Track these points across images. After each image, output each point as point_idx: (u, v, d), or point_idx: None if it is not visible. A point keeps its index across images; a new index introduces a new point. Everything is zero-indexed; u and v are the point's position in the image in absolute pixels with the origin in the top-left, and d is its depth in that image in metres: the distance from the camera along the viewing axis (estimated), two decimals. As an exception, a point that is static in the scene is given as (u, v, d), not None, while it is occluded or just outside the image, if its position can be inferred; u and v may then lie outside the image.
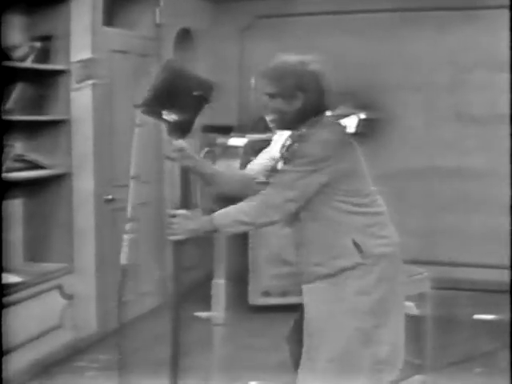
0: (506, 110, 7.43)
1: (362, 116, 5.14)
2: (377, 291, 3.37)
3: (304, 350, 3.48)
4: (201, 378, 4.40)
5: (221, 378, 3.82)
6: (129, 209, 3.72)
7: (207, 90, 3.35)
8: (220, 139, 3.38)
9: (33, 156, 5.57)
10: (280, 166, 3.49)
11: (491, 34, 7.52)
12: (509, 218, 5.76)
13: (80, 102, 5.81)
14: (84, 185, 5.87)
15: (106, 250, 6.01)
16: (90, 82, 5.82)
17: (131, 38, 6.53)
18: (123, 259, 3.78)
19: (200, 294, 3.80)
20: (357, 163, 3.43)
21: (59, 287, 5.57)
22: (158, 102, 3.30)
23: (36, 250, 5.75)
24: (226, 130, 3.42)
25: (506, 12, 7.37)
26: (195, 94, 3.28)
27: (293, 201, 3.28)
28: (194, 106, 3.31)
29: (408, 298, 4.97)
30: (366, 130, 4.80)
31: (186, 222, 3.31)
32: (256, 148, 3.68)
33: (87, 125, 5.87)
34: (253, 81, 3.50)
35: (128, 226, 3.78)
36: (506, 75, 7.39)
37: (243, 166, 3.33)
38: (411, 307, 5.51)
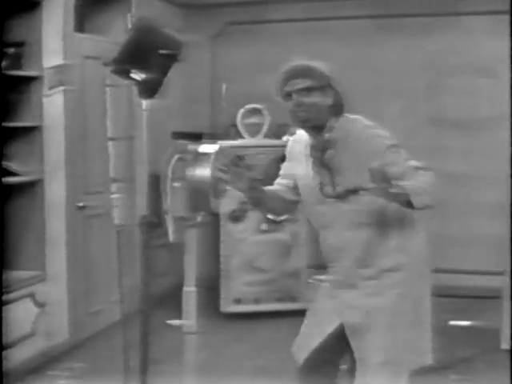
0: (486, 115, 7.51)
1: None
2: (417, 290, 3.46)
3: (356, 356, 3.48)
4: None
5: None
6: (112, 170, 3.73)
7: (176, 48, 3.33)
8: (191, 146, 3.35)
9: (5, 163, 5.54)
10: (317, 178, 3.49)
11: (469, 40, 7.61)
12: (490, 222, 5.78)
13: (52, 108, 5.79)
14: (56, 192, 5.84)
15: (78, 257, 5.98)
16: (62, 88, 5.80)
17: (103, 44, 6.50)
18: (117, 219, 3.79)
19: (173, 301, 3.78)
20: None
21: (31, 295, 5.54)
22: (126, 60, 3.26)
23: (8, 258, 5.71)
24: (197, 137, 3.39)
25: (484, 18, 7.46)
26: (163, 52, 3.26)
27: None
28: (162, 64, 3.27)
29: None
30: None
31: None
32: (228, 155, 3.67)
33: (59, 131, 5.85)
34: (224, 87, 3.50)
35: (113, 187, 3.79)
36: (485, 80, 7.47)
37: (214, 173, 3.31)
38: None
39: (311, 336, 3.62)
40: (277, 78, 3.67)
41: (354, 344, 3.47)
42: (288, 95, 3.55)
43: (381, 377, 3.41)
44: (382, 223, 3.42)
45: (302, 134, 3.66)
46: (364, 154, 3.31)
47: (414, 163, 3.29)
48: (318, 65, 3.56)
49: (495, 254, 5.34)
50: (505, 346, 5.71)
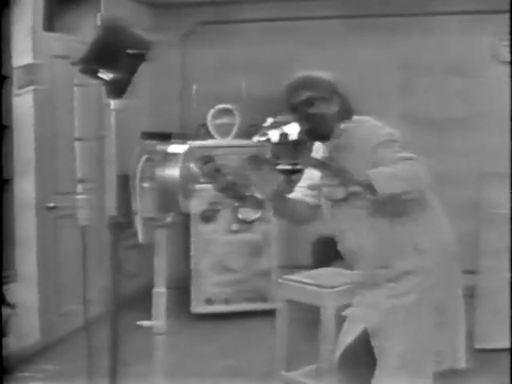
0: (459, 114, 7.56)
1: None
2: (438, 294, 3.46)
3: (376, 357, 3.47)
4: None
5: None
6: (78, 169, 3.72)
7: (144, 47, 3.32)
8: (160, 146, 3.34)
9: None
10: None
11: (443, 40, 7.65)
12: (461, 221, 5.78)
13: (22, 107, 5.75)
14: (26, 192, 5.81)
15: (49, 258, 5.95)
16: (32, 87, 5.76)
17: (72, 43, 6.46)
18: (82, 220, 3.77)
19: (144, 302, 3.77)
20: None
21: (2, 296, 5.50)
22: (94, 59, 3.25)
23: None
24: (166, 137, 3.38)
25: (457, 18, 7.52)
26: (131, 51, 3.25)
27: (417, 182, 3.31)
28: (129, 64, 3.26)
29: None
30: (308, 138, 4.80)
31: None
32: (197, 155, 3.68)
33: (29, 131, 5.81)
34: (194, 87, 3.52)
35: (79, 188, 3.78)
36: (458, 80, 7.53)
37: (183, 173, 3.32)
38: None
39: (347, 332, 3.63)
40: (283, 92, 3.69)
41: (374, 344, 3.47)
42: (294, 107, 3.62)
43: (398, 380, 3.42)
44: (395, 224, 3.45)
45: None
46: (365, 155, 3.38)
47: (403, 155, 3.37)
48: (321, 74, 3.65)
49: (466, 252, 5.36)
50: (478, 345, 5.74)
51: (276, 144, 4.86)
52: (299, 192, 3.84)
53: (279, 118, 5.03)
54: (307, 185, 3.73)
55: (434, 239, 3.50)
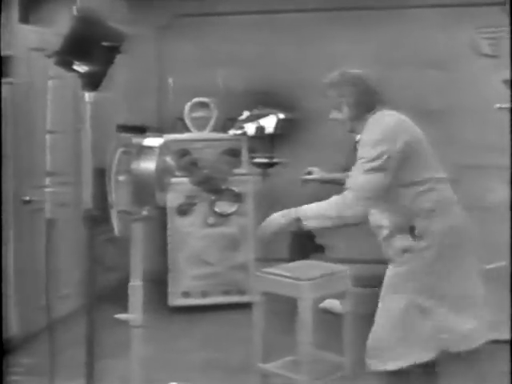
0: (434, 107, 7.59)
1: (281, 116, 5.17)
2: (430, 271, 3.74)
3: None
4: (120, 380, 4.38)
5: (140, 380, 3.79)
6: (48, 162, 3.71)
7: (119, 40, 3.31)
8: (135, 139, 3.33)
9: None
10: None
11: (417, 33, 7.67)
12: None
13: (-3, 101, 5.71)
14: (1, 185, 5.76)
15: (25, 251, 5.92)
16: (8, 80, 5.72)
17: (48, 36, 6.42)
18: (49, 213, 3.77)
19: (121, 295, 3.76)
20: (414, 150, 3.82)
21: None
22: (69, 52, 3.23)
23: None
24: (142, 130, 3.38)
25: (432, 11, 7.54)
26: (106, 44, 3.24)
27: (367, 199, 3.68)
28: (104, 56, 3.25)
29: (331, 296, 5.05)
30: (284, 131, 4.83)
31: (275, 217, 3.78)
32: (173, 148, 3.68)
33: (5, 124, 5.77)
34: (171, 81, 3.53)
35: (48, 181, 3.77)
36: (433, 72, 7.56)
37: (159, 166, 3.32)
38: (334, 304, 5.59)
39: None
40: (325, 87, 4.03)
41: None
42: None
43: (391, 339, 3.78)
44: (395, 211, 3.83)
45: None
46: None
47: (368, 165, 3.69)
48: (334, 80, 4.02)
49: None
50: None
51: (252, 137, 4.88)
52: None
53: (255, 112, 5.05)
54: None
55: (435, 226, 3.75)
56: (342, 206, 3.68)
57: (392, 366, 3.77)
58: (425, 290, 3.76)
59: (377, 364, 3.83)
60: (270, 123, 4.90)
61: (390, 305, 3.81)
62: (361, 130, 3.86)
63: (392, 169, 3.70)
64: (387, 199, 3.77)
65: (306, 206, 3.76)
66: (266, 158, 4.65)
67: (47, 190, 3.87)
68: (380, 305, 3.87)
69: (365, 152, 3.73)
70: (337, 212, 3.69)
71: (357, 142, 3.90)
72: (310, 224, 3.75)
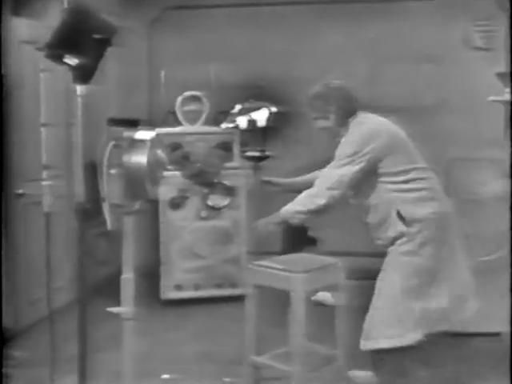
0: (426, 101, 7.60)
1: (273, 109, 5.17)
2: (421, 254, 4.12)
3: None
4: (113, 373, 4.38)
5: (133, 373, 3.80)
6: (44, 156, 3.71)
7: (110, 32, 3.30)
8: (126, 133, 3.33)
9: None
10: None
11: (410, 26, 7.66)
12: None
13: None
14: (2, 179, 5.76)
15: (17, 245, 5.91)
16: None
17: (39, 29, 6.40)
18: (47, 207, 3.77)
19: (114, 288, 3.76)
20: (391, 149, 4.22)
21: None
22: (59, 44, 3.22)
23: None
24: (133, 124, 3.37)
25: (424, 3, 7.54)
26: (97, 36, 3.23)
27: (332, 188, 4.14)
28: (95, 49, 3.25)
29: (324, 289, 5.06)
30: (276, 124, 4.83)
31: (263, 221, 4.32)
32: (165, 142, 3.68)
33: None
34: (163, 74, 3.56)
35: (44, 174, 3.77)
36: (426, 65, 7.56)
37: (151, 160, 3.31)
38: (326, 296, 5.59)
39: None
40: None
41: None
42: None
43: (385, 321, 4.14)
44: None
45: None
46: None
47: (327, 184, 4.19)
48: (320, 91, 4.39)
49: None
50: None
51: (244, 131, 4.90)
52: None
53: (247, 105, 5.05)
54: None
55: (423, 212, 4.14)
56: (311, 197, 4.19)
57: (385, 344, 4.11)
58: (418, 273, 4.11)
59: (371, 344, 4.17)
60: (261, 116, 4.90)
61: (386, 288, 4.14)
62: (345, 133, 4.31)
63: (362, 167, 4.14)
64: (375, 190, 4.20)
65: (285, 207, 4.25)
66: (257, 151, 4.66)
67: (44, 183, 3.87)
68: (377, 289, 4.19)
69: (340, 151, 4.23)
70: (309, 203, 4.18)
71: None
72: (293, 221, 4.27)
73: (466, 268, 4.33)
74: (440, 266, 4.18)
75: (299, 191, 4.55)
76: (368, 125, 4.31)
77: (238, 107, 4.86)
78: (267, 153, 4.70)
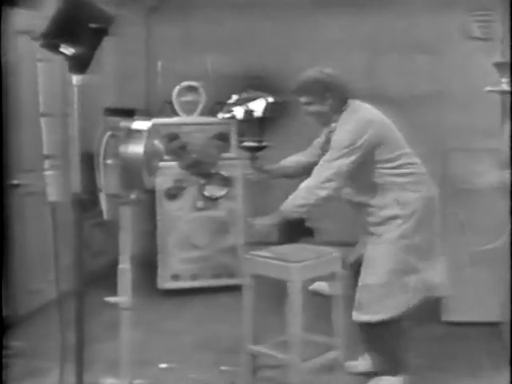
0: (424, 92, 7.60)
1: (270, 100, 5.16)
2: (415, 236, 4.40)
3: (360, 279, 4.48)
4: (110, 362, 4.40)
5: (130, 362, 3.81)
6: (44, 146, 3.72)
7: (106, 22, 3.29)
8: (123, 123, 3.32)
9: None
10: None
11: (406, 16, 7.64)
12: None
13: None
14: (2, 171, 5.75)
15: (14, 236, 5.91)
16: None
17: (35, 19, 6.39)
18: (51, 196, 3.79)
19: (112, 278, 3.77)
20: (383, 137, 4.41)
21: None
22: (55, 34, 3.21)
23: None
24: (130, 114, 3.37)
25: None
26: (93, 26, 3.22)
27: (331, 180, 4.28)
28: (92, 38, 3.24)
29: (321, 279, 5.07)
30: (274, 114, 4.83)
31: (262, 219, 4.44)
32: (162, 132, 3.67)
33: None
34: (160, 64, 3.57)
35: (47, 164, 3.78)
36: (423, 56, 7.56)
37: (147, 150, 3.32)
38: (323, 286, 5.60)
39: (354, 251, 4.83)
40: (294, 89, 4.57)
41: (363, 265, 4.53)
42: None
43: (381, 295, 4.40)
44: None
45: None
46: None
47: (326, 175, 4.32)
48: (314, 77, 4.49)
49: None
50: (445, 317, 5.84)
51: (241, 121, 4.91)
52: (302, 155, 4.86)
53: (244, 95, 5.04)
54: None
55: (414, 195, 4.41)
56: (312, 189, 4.31)
57: (378, 317, 4.39)
58: (411, 250, 4.41)
59: (363, 316, 4.42)
60: (258, 107, 4.90)
61: (378, 263, 4.41)
62: (336, 120, 4.45)
63: (358, 156, 4.30)
64: (367, 177, 4.42)
65: (285, 204, 4.36)
66: (254, 141, 4.66)
67: (47, 173, 3.87)
68: (368, 264, 4.47)
69: (337, 141, 4.34)
70: (310, 196, 4.30)
71: (331, 132, 4.48)
72: (294, 215, 4.41)
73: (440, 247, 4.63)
74: (427, 245, 4.50)
75: (288, 176, 4.85)
76: (362, 114, 4.44)
77: (234, 97, 4.86)
78: (264, 143, 4.71)
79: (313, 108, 4.48)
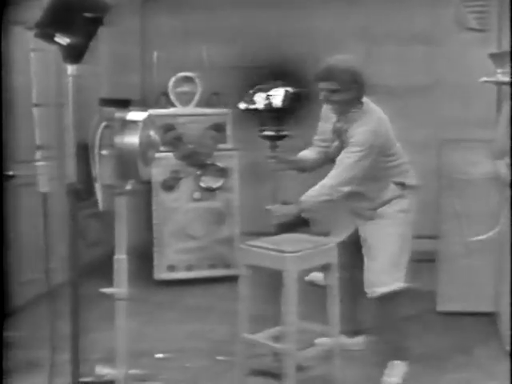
0: (420, 83, 7.59)
1: (289, 89, 5.15)
2: (410, 212, 4.71)
3: (367, 257, 4.70)
4: (106, 352, 4.40)
5: (126, 352, 3.82)
6: (37, 136, 3.72)
7: (101, 11, 3.28)
8: (118, 113, 3.32)
9: None
10: (335, 144, 4.67)
11: (402, 7, 7.63)
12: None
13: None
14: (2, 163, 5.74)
15: (8, 227, 5.90)
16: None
17: (29, 8, 6.36)
18: (42, 187, 3.79)
19: (107, 269, 3.78)
20: (388, 135, 4.59)
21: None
22: (50, 23, 3.21)
23: None
24: (125, 104, 3.36)
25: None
26: (88, 15, 3.21)
27: (354, 179, 4.44)
28: (86, 28, 3.23)
29: (317, 269, 5.08)
30: (292, 104, 4.83)
31: (282, 208, 4.58)
32: (158, 123, 3.67)
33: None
34: (155, 54, 3.56)
35: (38, 155, 3.78)
36: (418, 46, 7.56)
37: (143, 141, 3.32)
38: (319, 277, 5.61)
39: (341, 227, 5.11)
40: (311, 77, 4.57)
41: (364, 245, 4.76)
42: (320, 90, 4.53)
43: (386, 268, 4.61)
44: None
45: None
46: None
47: (346, 176, 4.46)
48: (344, 64, 4.47)
49: (427, 218, 5.44)
50: (440, 308, 5.86)
51: (261, 111, 4.93)
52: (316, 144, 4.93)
53: (263, 85, 5.04)
54: None
55: (411, 182, 4.73)
56: (337, 186, 4.44)
57: (394, 287, 4.58)
58: (409, 223, 4.69)
59: (379, 289, 4.57)
60: (278, 97, 4.92)
61: (385, 240, 4.62)
62: (351, 114, 4.53)
63: (374, 155, 4.44)
64: (370, 170, 4.51)
65: (306, 198, 4.49)
66: (274, 130, 4.71)
67: (39, 163, 3.86)
68: (374, 242, 4.68)
69: (360, 141, 4.40)
70: (335, 192, 4.45)
71: (343, 124, 4.57)
72: (314, 210, 4.61)
73: None
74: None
75: (302, 170, 4.92)
76: (378, 114, 4.61)
77: (256, 87, 4.88)
78: (284, 132, 4.78)
79: (336, 96, 4.48)
